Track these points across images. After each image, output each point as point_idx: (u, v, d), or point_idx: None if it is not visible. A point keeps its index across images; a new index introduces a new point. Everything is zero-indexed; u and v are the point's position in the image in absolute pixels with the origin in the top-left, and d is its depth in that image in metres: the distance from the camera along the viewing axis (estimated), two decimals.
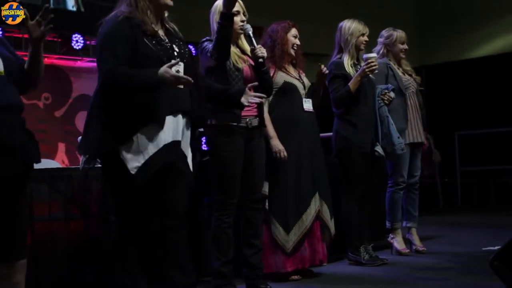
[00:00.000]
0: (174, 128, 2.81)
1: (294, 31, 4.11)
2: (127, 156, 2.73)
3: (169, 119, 2.79)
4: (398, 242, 4.82)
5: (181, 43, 2.93)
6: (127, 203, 2.80)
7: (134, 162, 2.72)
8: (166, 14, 2.94)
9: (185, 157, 2.92)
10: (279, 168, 3.90)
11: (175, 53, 2.85)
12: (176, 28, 2.97)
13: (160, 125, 2.75)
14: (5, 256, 2.56)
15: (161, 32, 2.88)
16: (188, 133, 2.94)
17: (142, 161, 2.73)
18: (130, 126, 2.73)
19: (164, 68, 2.65)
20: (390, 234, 4.86)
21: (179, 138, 2.85)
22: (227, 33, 3.32)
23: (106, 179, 2.87)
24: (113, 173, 2.80)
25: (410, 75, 4.93)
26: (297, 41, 4.11)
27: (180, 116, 2.85)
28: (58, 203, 3.38)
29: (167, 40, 2.87)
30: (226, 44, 3.38)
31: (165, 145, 2.77)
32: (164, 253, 2.85)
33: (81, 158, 2.91)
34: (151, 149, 2.74)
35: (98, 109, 2.79)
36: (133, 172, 2.72)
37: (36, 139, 2.64)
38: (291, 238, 3.94)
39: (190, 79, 2.71)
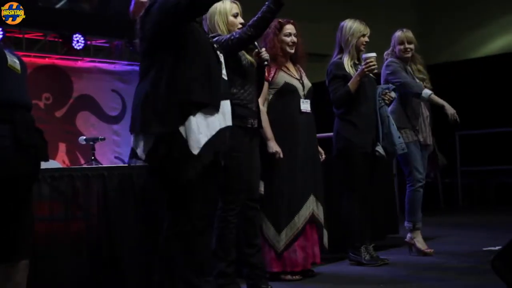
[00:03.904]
0: (223, 113, 2.89)
1: (287, 29, 4.08)
2: (189, 136, 2.74)
3: (222, 104, 2.88)
4: (420, 243, 4.72)
5: None
6: (185, 193, 2.79)
7: (195, 142, 2.73)
8: None
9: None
10: (274, 169, 3.89)
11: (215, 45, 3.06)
12: None
13: (216, 109, 2.83)
14: (9, 256, 2.55)
15: None
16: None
17: (203, 142, 2.75)
18: (192, 105, 2.76)
19: None
20: (409, 234, 4.76)
21: (230, 123, 2.94)
22: (272, 18, 3.40)
23: (162, 168, 2.80)
24: (171, 159, 2.75)
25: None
26: (293, 38, 4.07)
27: (228, 102, 2.95)
28: (58, 203, 3.38)
29: None
30: (266, 26, 3.44)
31: (221, 129, 2.85)
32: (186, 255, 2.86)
33: (129, 154, 2.89)
34: (210, 131, 2.79)
35: (155, 83, 2.78)
36: (195, 152, 2.73)
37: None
38: (282, 238, 3.94)
39: None
